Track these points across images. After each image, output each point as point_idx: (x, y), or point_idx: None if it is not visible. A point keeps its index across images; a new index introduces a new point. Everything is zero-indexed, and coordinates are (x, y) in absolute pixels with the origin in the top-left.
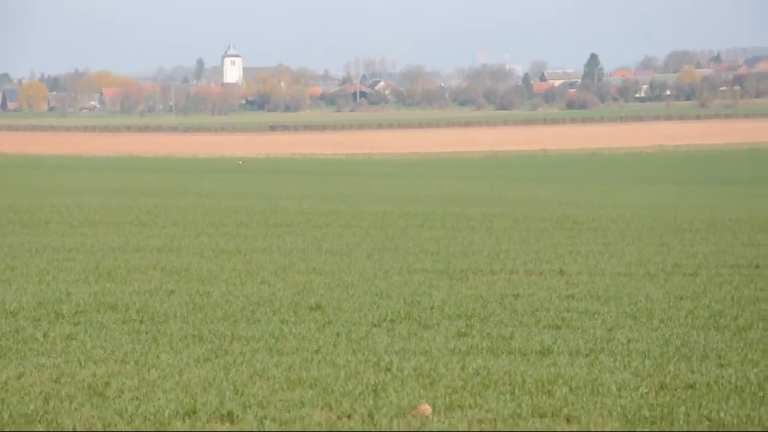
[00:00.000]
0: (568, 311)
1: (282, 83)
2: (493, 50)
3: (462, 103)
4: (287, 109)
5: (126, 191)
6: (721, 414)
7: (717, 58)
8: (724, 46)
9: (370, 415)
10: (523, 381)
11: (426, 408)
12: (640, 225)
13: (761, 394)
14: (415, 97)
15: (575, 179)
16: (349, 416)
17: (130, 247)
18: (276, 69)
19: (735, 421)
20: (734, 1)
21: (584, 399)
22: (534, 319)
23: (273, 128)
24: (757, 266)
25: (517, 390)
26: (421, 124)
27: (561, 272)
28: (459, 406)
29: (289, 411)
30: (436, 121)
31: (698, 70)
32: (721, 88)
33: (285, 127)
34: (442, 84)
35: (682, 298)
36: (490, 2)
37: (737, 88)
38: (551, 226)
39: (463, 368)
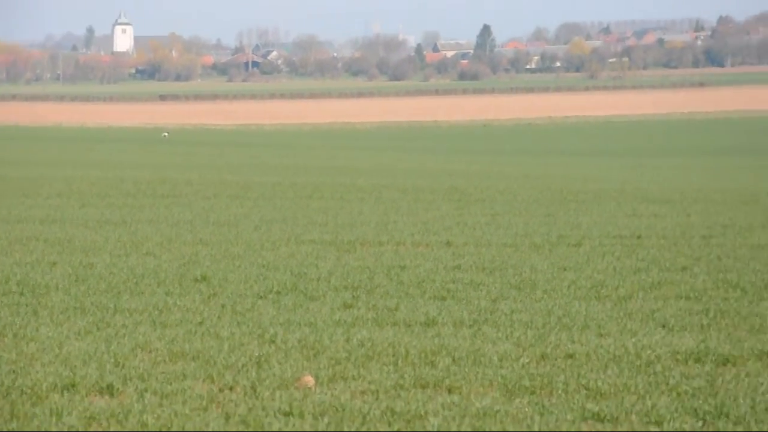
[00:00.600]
0: (453, 282)
1: (173, 52)
2: (386, 20)
3: (355, 74)
4: (178, 78)
5: (8, 161)
6: (599, 383)
7: (606, 30)
8: (614, 18)
9: (253, 387)
10: (407, 352)
11: (309, 379)
12: (527, 196)
13: (638, 362)
14: (307, 67)
15: (465, 150)
16: (231, 388)
17: (11, 218)
18: (167, 38)
19: (612, 390)
20: None
21: (466, 370)
22: (420, 291)
23: (163, 98)
24: (639, 236)
25: (400, 361)
26: (313, 95)
27: (448, 243)
28: (342, 377)
29: (170, 383)
30: (329, 91)
31: (588, 41)
32: (610, 60)
33: (176, 97)
34: (335, 54)
35: (565, 269)
36: None
37: (626, 59)
38: (440, 198)
39: (347, 340)
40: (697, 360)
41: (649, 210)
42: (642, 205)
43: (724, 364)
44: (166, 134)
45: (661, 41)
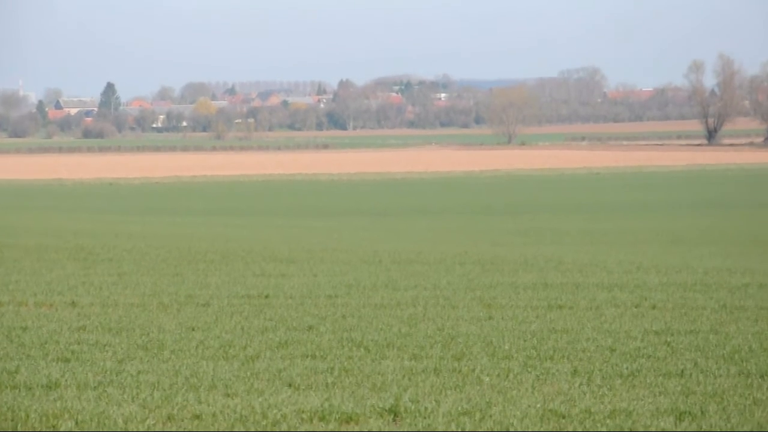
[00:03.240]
0: (78, 343)
1: None
2: (5, 75)
3: None
4: None
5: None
6: None
7: (232, 91)
8: (238, 79)
9: None
10: (27, 416)
11: None
12: (156, 255)
13: (264, 422)
14: None
15: (92, 209)
16: None
17: None
18: None
19: None
20: (215, 35)
21: None
22: (42, 352)
23: None
24: (266, 296)
25: (20, 425)
26: None
27: (73, 304)
28: None
29: None
30: None
31: (214, 101)
32: (236, 121)
33: None
34: None
35: (193, 329)
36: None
37: (251, 120)
38: (65, 257)
39: None
40: (322, 418)
41: (276, 270)
42: (270, 264)
43: (347, 422)
44: None
45: (285, 103)
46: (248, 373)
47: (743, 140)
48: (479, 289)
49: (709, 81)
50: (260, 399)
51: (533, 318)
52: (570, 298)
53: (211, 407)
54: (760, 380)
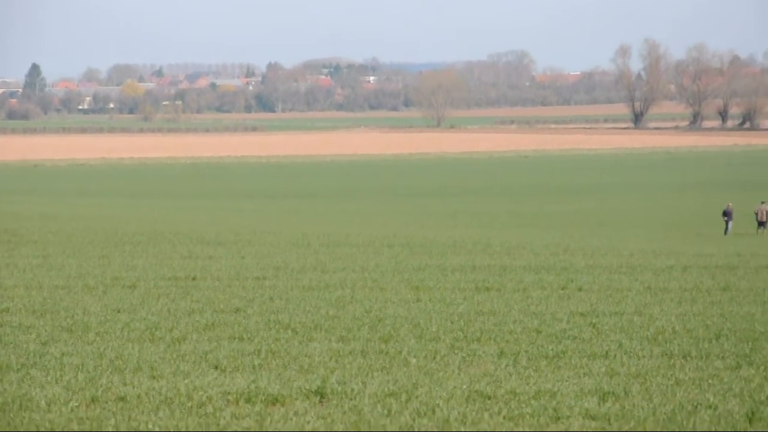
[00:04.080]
0: (1, 326)
1: None
2: None
3: None
4: None
5: None
6: (150, 425)
7: (159, 73)
8: (166, 61)
9: None
10: None
11: None
12: (82, 238)
13: (189, 404)
14: None
15: (16, 191)
16: None
17: None
18: None
19: None
20: (143, 16)
21: (11, 415)
22: None
23: None
24: (194, 278)
25: None
26: None
27: None
28: None
29: None
30: None
31: (141, 83)
32: (164, 103)
33: None
34: None
35: (119, 311)
36: None
37: (179, 102)
38: None
39: None
40: (248, 400)
41: (204, 252)
42: (197, 246)
43: (273, 404)
44: None
45: (213, 85)
46: (174, 355)
47: (669, 124)
48: (407, 272)
49: (636, 65)
50: (186, 381)
51: (461, 300)
52: (497, 280)
53: (136, 389)
54: (682, 361)
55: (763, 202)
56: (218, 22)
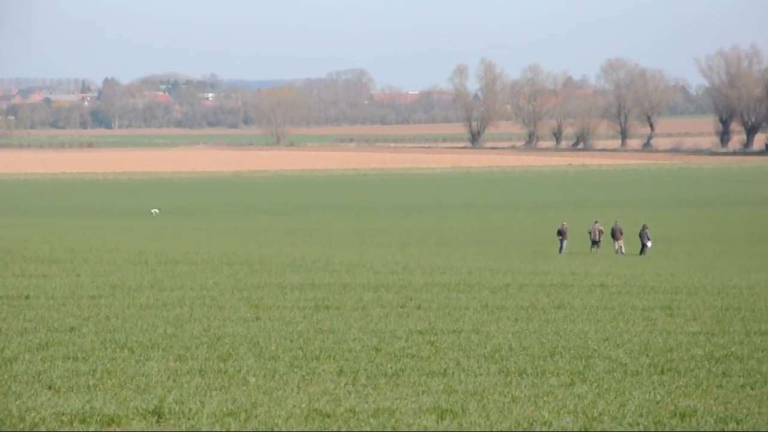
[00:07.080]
0: None
1: None
2: None
3: None
4: None
5: None
6: None
7: None
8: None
9: None
10: None
11: None
12: None
13: (22, 425)
14: None
15: None
16: None
17: None
18: None
19: None
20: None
21: None
22: None
23: None
24: (27, 297)
25: None
26: None
27: None
28: None
29: None
30: None
31: None
32: None
33: None
34: None
35: None
36: None
37: (12, 118)
38: None
39: None
40: (83, 420)
41: (38, 270)
42: (31, 264)
43: (109, 424)
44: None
45: (48, 100)
46: (6, 376)
47: (505, 143)
48: (246, 290)
49: (473, 85)
50: (18, 402)
51: (300, 318)
52: (337, 298)
53: None
54: (518, 378)
55: (596, 222)
56: (52, 36)
